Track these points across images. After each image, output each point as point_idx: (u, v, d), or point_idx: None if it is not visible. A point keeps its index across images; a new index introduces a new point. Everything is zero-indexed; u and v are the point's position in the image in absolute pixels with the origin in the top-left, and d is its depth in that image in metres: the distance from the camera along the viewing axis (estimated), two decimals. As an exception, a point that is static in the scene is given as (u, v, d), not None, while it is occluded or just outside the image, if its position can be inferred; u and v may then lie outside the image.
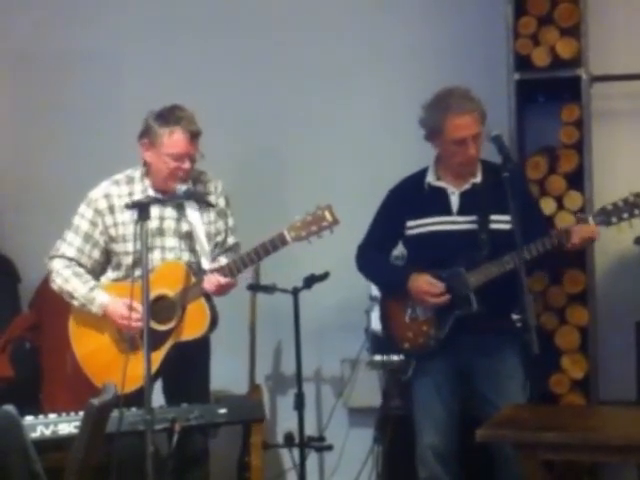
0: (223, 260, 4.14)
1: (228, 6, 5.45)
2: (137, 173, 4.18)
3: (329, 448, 5.03)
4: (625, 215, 3.97)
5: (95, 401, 3.27)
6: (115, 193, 4.14)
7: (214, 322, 4.11)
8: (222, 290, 4.04)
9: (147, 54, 5.51)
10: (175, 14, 5.50)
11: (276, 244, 4.01)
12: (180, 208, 4.13)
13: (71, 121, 5.58)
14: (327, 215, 4.00)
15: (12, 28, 5.68)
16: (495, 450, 4.02)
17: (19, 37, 5.68)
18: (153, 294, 3.97)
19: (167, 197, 4.04)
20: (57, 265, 4.16)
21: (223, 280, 4.00)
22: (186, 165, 4.05)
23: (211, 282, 4.01)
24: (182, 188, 3.98)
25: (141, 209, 3.70)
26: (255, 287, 4.96)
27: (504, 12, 4.67)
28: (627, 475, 4.55)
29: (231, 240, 4.24)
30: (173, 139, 4.01)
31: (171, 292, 4.03)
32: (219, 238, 4.20)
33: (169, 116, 4.03)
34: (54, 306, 4.94)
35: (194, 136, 4.04)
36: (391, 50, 5.25)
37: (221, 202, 4.22)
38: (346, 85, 5.31)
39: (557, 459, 3.86)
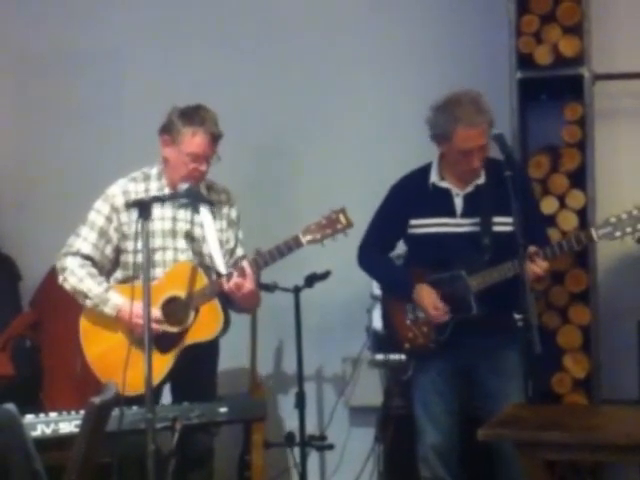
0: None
1: (231, 6, 5.44)
2: (153, 170, 4.17)
3: (330, 447, 5.04)
4: (629, 229, 3.89)
5: (96, 400, 3.26)
6: (132, 190, 4.12)
7: (227, 324, 4.09)
8: (240, 290, 3.99)
9: (149, 54, 5.51)
10: (177, 14, 5.49)
11: (291, 246, 4.01)
12: (193, 211, 4.12)
13: (72, 121, 5.58)
14: (341, 218, 4.02)
15: (13, 28, 5.67)
16: (497, 450, 4.01)
17: (20, 37, 5.67)
18: (165, 295, 3.98)
19: (168, 195, 4.04)
20: (71, 263, 4.08)
21: (240, 280, 3.97)
22: (203, 167, 4.05)
23: (231, 282, 3.97)
24: (183, 186, 3.98)
25: (142, 208, 3.68)
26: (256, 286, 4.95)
27: (506, 10, 4.66)
28: (629, 475, 4.55)
29: (240, 251, 4.22)
30: (195, 140, 4.01)
31: (183, 293, 4.01)
32: (228, 246, 4.19)
33: (194, 116, 4.03)
34: (55, 305, 4.96)
35: (215, 139, 4.05)
36: (393, 49, 5.24)
37: (233, 213, 4.22)
38: (349, 85, 5.30)
39: (559, 459, 3.86)
